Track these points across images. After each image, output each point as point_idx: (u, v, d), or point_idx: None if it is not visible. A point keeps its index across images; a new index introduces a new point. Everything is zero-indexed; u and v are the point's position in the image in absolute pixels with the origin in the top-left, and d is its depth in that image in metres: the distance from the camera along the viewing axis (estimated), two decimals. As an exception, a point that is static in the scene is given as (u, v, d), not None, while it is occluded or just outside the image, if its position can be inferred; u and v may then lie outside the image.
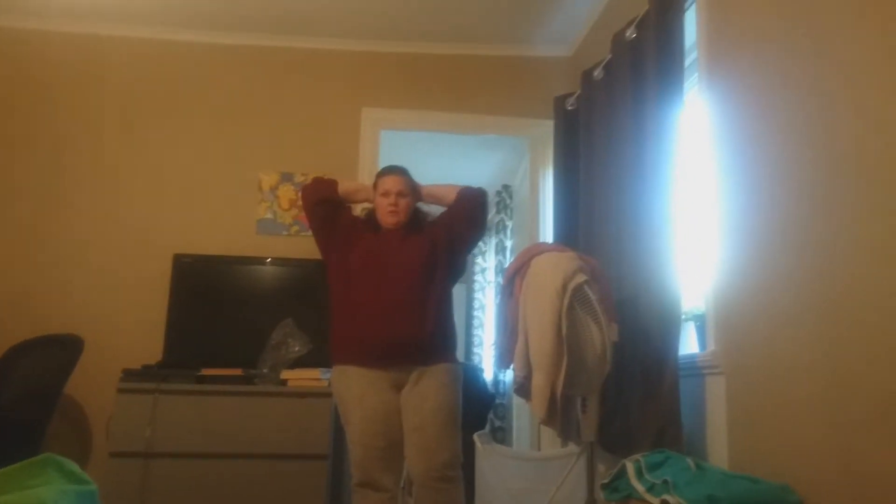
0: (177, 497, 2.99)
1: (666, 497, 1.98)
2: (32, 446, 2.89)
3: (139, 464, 2.99)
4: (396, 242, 2.72)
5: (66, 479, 1.09)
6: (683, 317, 2.63)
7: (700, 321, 2.70)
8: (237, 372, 3.25)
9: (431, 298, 2.66)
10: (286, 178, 3.86)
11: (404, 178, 2.81)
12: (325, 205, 2.82)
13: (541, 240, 4.05)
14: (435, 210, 2.93)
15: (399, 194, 2.76)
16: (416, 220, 2.84)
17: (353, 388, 2.59)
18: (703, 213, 2.58)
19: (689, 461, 2.16)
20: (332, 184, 2.88)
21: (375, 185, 2.84)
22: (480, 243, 6.69)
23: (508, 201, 5.73)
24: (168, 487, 2.99)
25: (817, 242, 1.94)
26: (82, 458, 3.45)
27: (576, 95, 3.58)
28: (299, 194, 3.79)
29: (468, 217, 2.81)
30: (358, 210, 3.09)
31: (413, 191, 2.83)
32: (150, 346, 3.50)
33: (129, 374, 3.17)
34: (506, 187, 5.80)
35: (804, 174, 2.01)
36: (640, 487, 2.13)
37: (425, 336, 2.61)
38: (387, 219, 2.76)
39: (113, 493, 2.87)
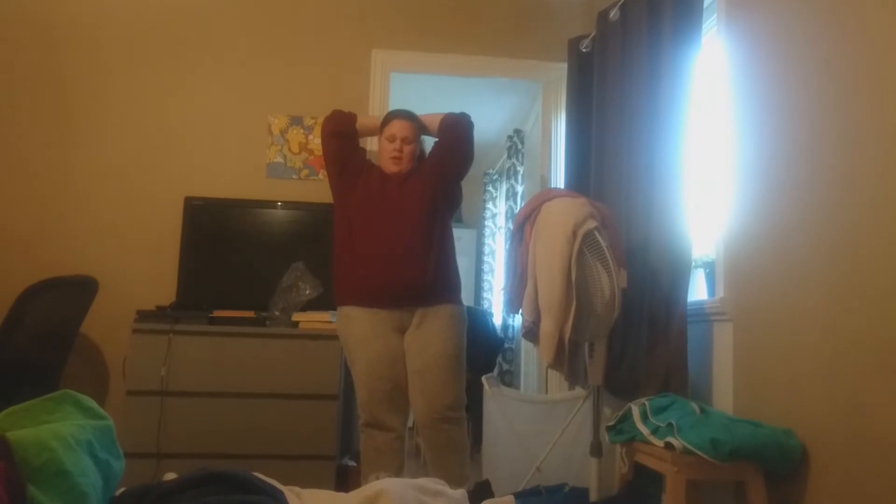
0: (192, 433, 3.07)
1: (670, 439, 2.01)
2: (50, 386, 2.96)
3: (155, 401, 3.06)
4: (398, 185, 2.71)
5: (83, 414, 1.12)
6: (693, 264, 2.63)
7: (709, 268, 2.70)
8: (249, 314, 3.29)
9: (434, 240, 2.67)
10: (295, 121, 3.83)
11: (412, 124, 2.78)
12: (341, 138, 2.81)
13: (552, 185, 4.02)
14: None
15: (404, 140, 2.74)
16: (419, 161, 2.83)
17: (357, 331, 2.63)
18: (716, 159, 2.55)
19: (694, 405, 2.19)
20: (352, 118, 2.88)
21: (381, 128, 2.81)
22: (490, 188, 6.66)
23: (520, 146, 5.67)
24: (183, 424, 3.07)
25: (832, 191, 1.92)
26: (99, 396, 3.54)
27: (591, 37, 3.50)
28: (308, 137, 3.79)
29: (452, 149, 2.78)
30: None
31: (419, 137, 2.81)
32: (162, 288, 3.55)
33: (143, 315, 3.22)
34: (517, 132, 5.73)
35: (822, 122, 1.97)
36: (644, 430, 2.17)
37: (428, 277, 2.62)
38: (389, 165, 2.74)
39: (131, 430, 2.95)
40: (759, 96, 2.29)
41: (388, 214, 2.66)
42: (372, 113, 3.71)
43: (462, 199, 2.93)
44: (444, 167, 2.76)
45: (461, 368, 2.66)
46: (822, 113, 1.97)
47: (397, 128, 2.75)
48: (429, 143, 2.93)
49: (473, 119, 2.87)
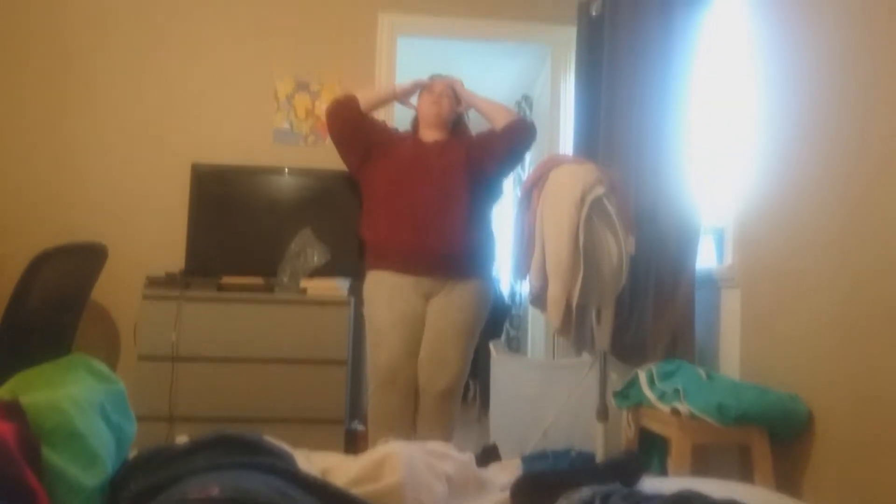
0: (204, 398, 3.11)
1: (676, 405, 2.03)
2: (62, 351, 2.98)
3: (167, 366, 3.09)
4: (436, 150, 2.75)
5: (94, 378, 1.13)
6: (702, 230, 2.61)
7: (718, 235, 2.69)
8: (258, 280, 3.30)
9: (468, 210, 2.69)
10: (302, 86, 3.79)
11: (450, 85, 2.89)
12: (351, 137, 2.84)
13: (560, 151, 3.99)
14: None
15: (443, 94, 2.83)
16: (456, 130, 2.86)
17: (384, 292, 2.68)
18: (729, 126, 2.52)
19: (701, 371, 2.20)
20: (354, 104, 2.88)
21: (421, 93, 2.91)
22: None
23: (528, 112, 5.61)
24: (195, 388, 3.11)
25: (844, 160, 1.90)
26: (111, 361, 3.58)
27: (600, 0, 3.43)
28: (324, 110, 3.76)
29: (506, 152, 2.84)
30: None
31: (456, 100, 2.88)
32: (171, 254, 3.56)
33: (153, 282, 3.24)
34: (525, 97, 5.67)
35: (842, 90, 1.94)
36: (651, 395, 2.18)
37: (460, 248, 2.66)
38: (429, 110, 2.81)
39: (144, 394, 2.99)
40: (778, 62, 2.26)
41: (425, 181, 2.69)
42: (379, 80, 3.68)
43: (503, 194, 2.98)
44: (489, 162, 2.80)
45: (471, 344, 2.73)
46: (841, 80, 1.94)
47: (437, 84, 2.88)
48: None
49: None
